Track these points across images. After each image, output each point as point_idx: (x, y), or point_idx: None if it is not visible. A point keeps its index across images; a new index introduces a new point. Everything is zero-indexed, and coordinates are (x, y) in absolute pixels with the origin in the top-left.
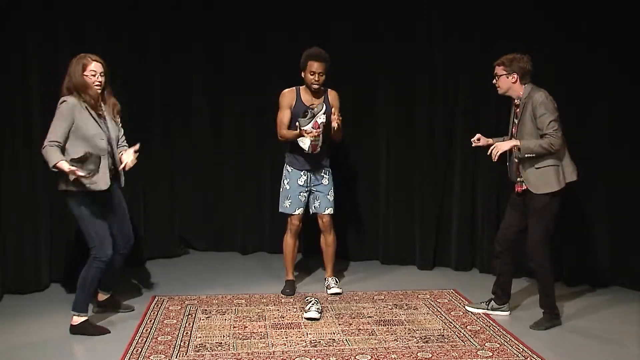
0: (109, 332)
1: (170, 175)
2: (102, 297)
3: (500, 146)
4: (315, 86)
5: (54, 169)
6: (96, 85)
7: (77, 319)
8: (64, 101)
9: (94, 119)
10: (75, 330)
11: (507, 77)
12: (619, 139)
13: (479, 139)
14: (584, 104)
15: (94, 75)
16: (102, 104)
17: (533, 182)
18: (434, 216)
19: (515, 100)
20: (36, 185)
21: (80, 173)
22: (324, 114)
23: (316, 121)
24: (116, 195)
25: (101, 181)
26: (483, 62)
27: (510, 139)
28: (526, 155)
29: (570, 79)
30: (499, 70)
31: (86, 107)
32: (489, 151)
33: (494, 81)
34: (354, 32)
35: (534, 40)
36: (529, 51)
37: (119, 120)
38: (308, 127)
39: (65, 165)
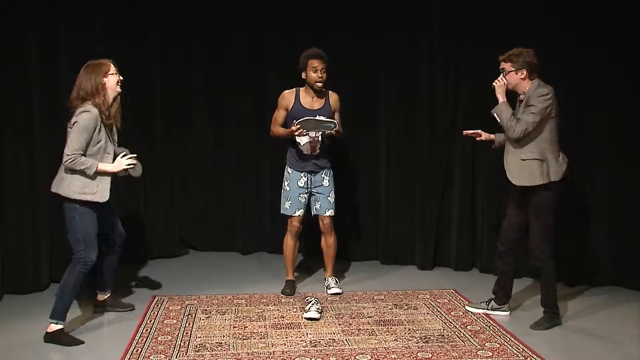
0: (83, 343)
1: (170, 175)
2: (101, 297)
3: (498, 86)
4: (319, 84)
5: (96, 175)
6: (119, 85)
7: (53, 327)
8: (86, 111)
9: (105, 130)
10: (49, 338)
11: (516, 74)
12: (619, 139)
13: (471, 134)
14: (584, 103)
15: (117, 74)
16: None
17: (515, 173)
18: (434, 216)
19: (520, 95)
20: (36, 185)
21: (127, 166)
22: (330, 129)
23: (315, 136)
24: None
25: (100, 194)
26: (483, 63)
27: None
28: (494, 114)
29: (570, 79)
30: (506, 66)
31: (100, 117)
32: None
33: (501, 76)
34: (354, 32)
35: (534, 39)
36: None
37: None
38: (304, 138)
39: (109, 167)
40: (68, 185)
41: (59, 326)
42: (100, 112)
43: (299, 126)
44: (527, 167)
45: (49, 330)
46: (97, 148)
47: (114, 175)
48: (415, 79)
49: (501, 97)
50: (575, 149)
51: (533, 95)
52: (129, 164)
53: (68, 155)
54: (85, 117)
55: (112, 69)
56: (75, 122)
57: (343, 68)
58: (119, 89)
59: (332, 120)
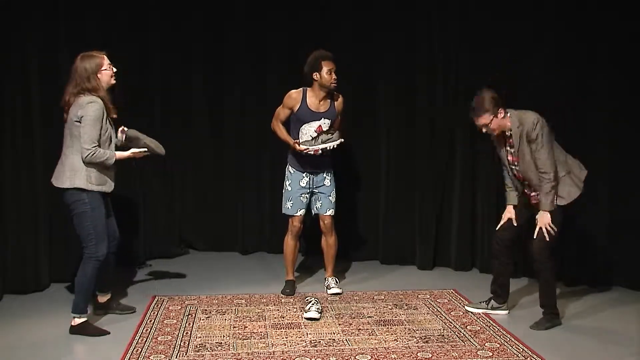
0: (109, 333)
1: (171, 175)
2: (102, 299)
3: (544, 220)
4: (334, 84)
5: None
6: (113, 77)
7: (77, 320)
8: (93, 102)
9: (109, 121)
10: (74, 330)
11: (497, 117)
12: (619, 139)
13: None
14: (584, 104)
15: (110, 68)
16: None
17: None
18: (434, 216)
19: (507, 132)
20: (36, 185)
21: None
22: (331, 142)
23: (317, 148)
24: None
25: (109, 185)
26: (483, 62)
27: (511, 168)
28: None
29: (570, 79)
30: (484, 120)
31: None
32: (537, 232)
33: (484, 131)
34: (354, 32)
35: (533, 40)
36: (529, 52)
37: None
38: (306, 144)
39: (124, 153)
40: (86, 178)
41: (83, 319)
42: (104, 103)
43: (301, 148)
44: (563, 184)
45: (73, 324)
46: (105, 137)
47: (132, 161)
48: (415, 79)
49: (545, 220)
50: (575, 149)
51: (529, 128)
52: (144, 151)
53: (87, 149)
54: (94, 108)
55: (105, 63)
56: (83, 115)
57: (343, 68)
58: (113, 81)
59: (334, 139)
